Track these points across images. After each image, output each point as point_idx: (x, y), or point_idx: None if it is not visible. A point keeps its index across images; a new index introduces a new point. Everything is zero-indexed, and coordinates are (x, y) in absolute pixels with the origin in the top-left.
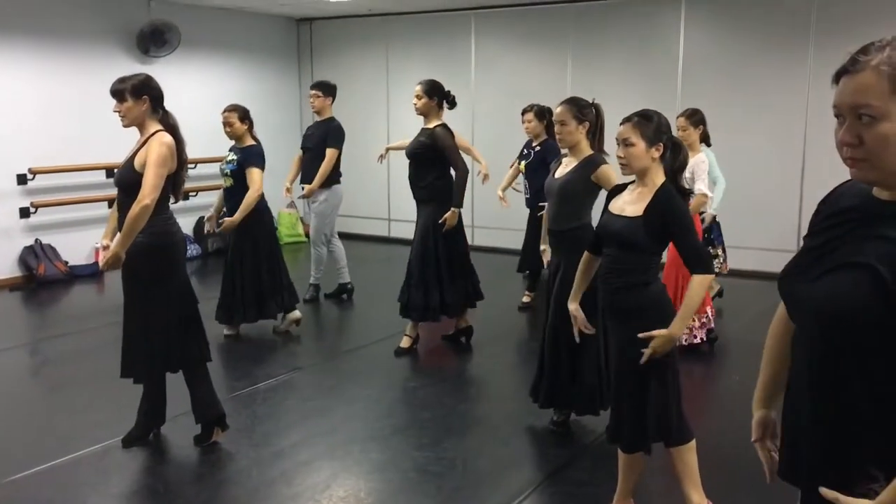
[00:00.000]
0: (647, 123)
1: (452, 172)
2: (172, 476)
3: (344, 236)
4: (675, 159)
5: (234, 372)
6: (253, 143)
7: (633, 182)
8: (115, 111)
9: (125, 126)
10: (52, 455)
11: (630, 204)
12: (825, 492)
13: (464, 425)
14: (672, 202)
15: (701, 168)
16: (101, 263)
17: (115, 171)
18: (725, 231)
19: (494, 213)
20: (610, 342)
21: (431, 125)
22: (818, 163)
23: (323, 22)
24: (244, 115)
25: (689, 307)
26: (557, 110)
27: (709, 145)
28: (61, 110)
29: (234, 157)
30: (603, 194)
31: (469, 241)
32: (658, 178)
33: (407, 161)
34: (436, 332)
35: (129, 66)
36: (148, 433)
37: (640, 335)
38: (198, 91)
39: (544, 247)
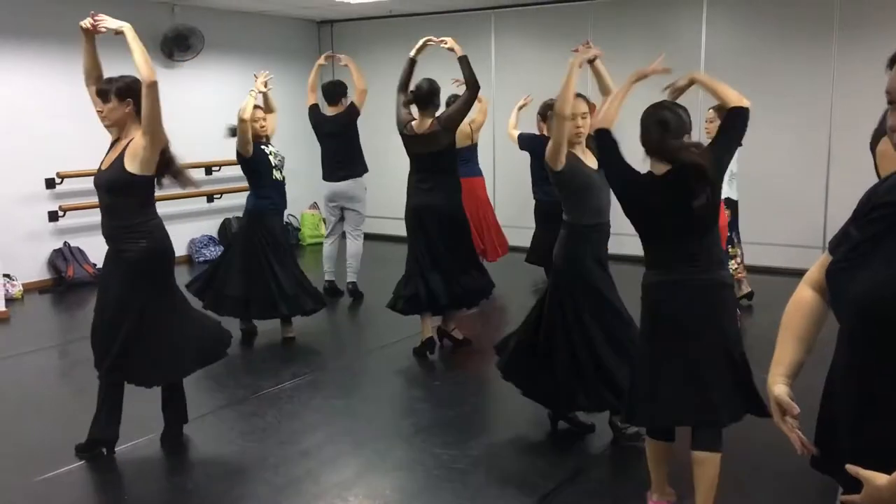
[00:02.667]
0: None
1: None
2: (201, 474)
3: (368, 236)
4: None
5: (260, 371)
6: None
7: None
8: (97, 110)
9: (106, 126)
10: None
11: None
12: (850, 468)
13: (487, 423)
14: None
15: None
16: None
17: (97, 173)
18: (749, 227)
19: (511, 213)
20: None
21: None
22: (843, 158)
23: (344, 24)
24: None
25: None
26: (576, 104)
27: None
28: (88, 115)
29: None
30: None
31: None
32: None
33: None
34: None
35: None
36: (179, 434)
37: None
38: (221, 94)
39: None
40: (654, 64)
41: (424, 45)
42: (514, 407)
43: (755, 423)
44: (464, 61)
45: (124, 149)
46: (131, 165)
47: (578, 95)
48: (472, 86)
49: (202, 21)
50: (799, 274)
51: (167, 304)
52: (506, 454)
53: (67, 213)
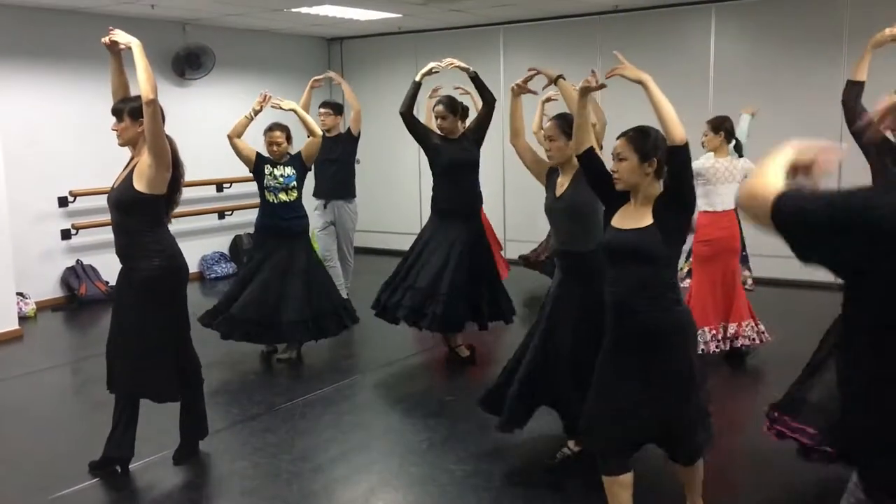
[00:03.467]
0: (642, 139)
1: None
2: (214, 491)
3: (372, 252)
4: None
5: (272, 387)
6: (289, 153)
7: (628, 202)
8: (112, 129)
9: (120, 145)
10: (97, 471)
11: (631, 217)
12: None
13: (502, 438)
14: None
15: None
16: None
17: (110, 191)
18: (758, 240)
19: (525, 227)
20: (621, 369)
21: (462, 135)
22: (854, 170)
23: (353, 41)
24: (289, 135)
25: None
26: (546, 125)
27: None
28: (100, 133)
29: (290, 168)
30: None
31: (504, 254)
32: (654, 191)
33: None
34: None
35: (166, 89)
36: (195, 451)
37: None
38: (232, 112)
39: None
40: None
41: (430, 71)
42: (528, 423)
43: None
44: (476, 79)
45: (134, 167)
46: (139, 184)
47: (557, 117)
48: (488, 102)
49: (213, 39)
50: (810, 286)
51: (179, 321)
52: (521, 470)
53: (80, 231)
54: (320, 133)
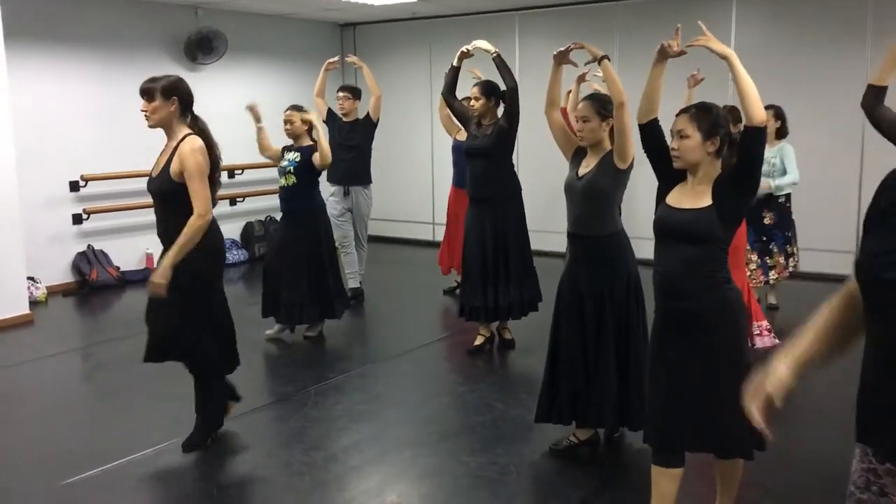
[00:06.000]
0: (705, 115)
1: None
2: (225, 480)
3: (386, 240)
4: (730, 156)
5: (283, 376)
6: (312, 143)
7: (684, 181)
8: (142, 110)
9: (151, 126)
10: (106, 458)
11: (689, 196)
12: None
13: (516, 430)
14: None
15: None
16: (153, 281)
17: (149, 178)
18: (806, 233)
19: (542, 218)
20: (668, 355)
21: (493, 121)
22: (877, 161)
23: (366, 27)
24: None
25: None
26: (580, 106)
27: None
28: (111, 118)
29: (298, 154)
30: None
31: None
32: (714, 171)
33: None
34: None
35: (178, 74)
36: (207, 439)
37: None
38: (244, 97)
39: None
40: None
41: (467, 53)
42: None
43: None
44: (497, 60)
45: (171, 156)
46: (176, 175)
47: (587, 98)
48: (508, 87)
49: (225, 24)
50: (832, 279)
51: (215, 309)
52: (535, 462)
53: (91, 215)
54: (328, 160)
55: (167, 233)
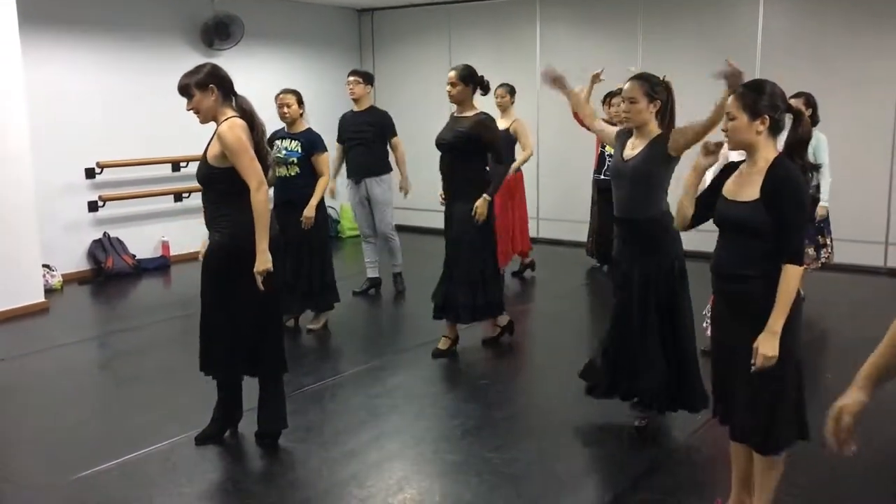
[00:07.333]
0: (753, 95)
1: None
2: (241, 475)
3: (400, 229)
4: (793, 132)
5: (300, 367)
6: (308, 127)
7: (742, 161)
8: (188, 110)
9: (202, 122)
10: (120, 451)
11: (743, 186)
12: None
13: (538, 425)
14: (786, 175)
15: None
16: (259, 282)
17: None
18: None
19: (558, 205)
20: (722, 336)
21: (471, 113)
22: None
23: (384, 12)
24: (300, 99)
25: (784, 301)
26: (626, 86)
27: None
28: (128, 104)
29: (297, 143)
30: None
31: (533, 234)
32: (769, 153)
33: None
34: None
35: (194, 60)
36: (223, 432)
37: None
38: (261, 83)
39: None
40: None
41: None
42: (565, 407)
43: None
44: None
45: (211, 139)
46: (213, 158)
47: (634, 78)
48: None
49: (242, 9)
50: (862, 270)
51: (242, 300)
52: (560, 458)
53: (107, 203)
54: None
55: (211, 220)
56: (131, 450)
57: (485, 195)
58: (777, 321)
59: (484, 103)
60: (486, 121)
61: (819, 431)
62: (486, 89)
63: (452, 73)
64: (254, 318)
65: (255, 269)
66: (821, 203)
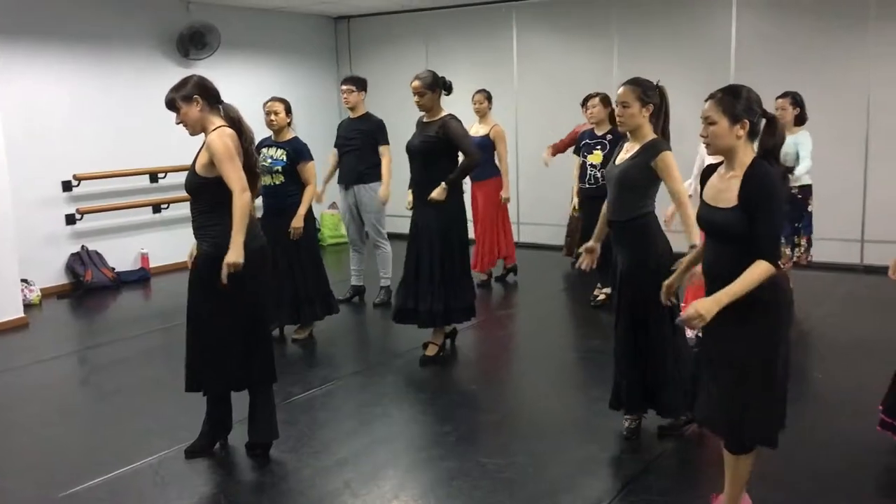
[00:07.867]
0: (731, 100)
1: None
2: (232, 487)
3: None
4: (768, 136)
5: (288, 376)
6: (294, 135)
7: (721, 163)
8: (177, 124)
9: (192, 134)
10: (107, 467)
11: (723, 192)
12: None
13: (531, 429)
14: (762, 178)
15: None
16: (224, 274)
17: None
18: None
19: (537, 210)
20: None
21: (437, 117)
22: (881, 148)
23: (360, 19)
24: (289, 108)
25: (743, 284)
26: (620, 91)
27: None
28: (104, 115)
29: (283, 152)
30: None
31: (515, 238)
32: (746, 157)
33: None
34: (489, 332)
35: (170, 70)
36: (213, 445)
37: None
38: (239, 92)
39: (591, 244)
40: None
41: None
42: (557, 410)
43: None
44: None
45: (200, 149)
46: (201, 168)
47: (627, 83)
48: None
49: (218, 18)
50: (839, 268)
51: (227, 313)
52: (554, 462)
53: (85, 215)
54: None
55: (199, 229)
56: (119, 465)
57: (443, 183)
58: (727, 295)
59: (461, 110)
60: (450, 121)
61: (801, 429)
62: (449, 90)
63: (417, 83)
64: (242, 327)
65: (225, 260)
66: (797, 173)
